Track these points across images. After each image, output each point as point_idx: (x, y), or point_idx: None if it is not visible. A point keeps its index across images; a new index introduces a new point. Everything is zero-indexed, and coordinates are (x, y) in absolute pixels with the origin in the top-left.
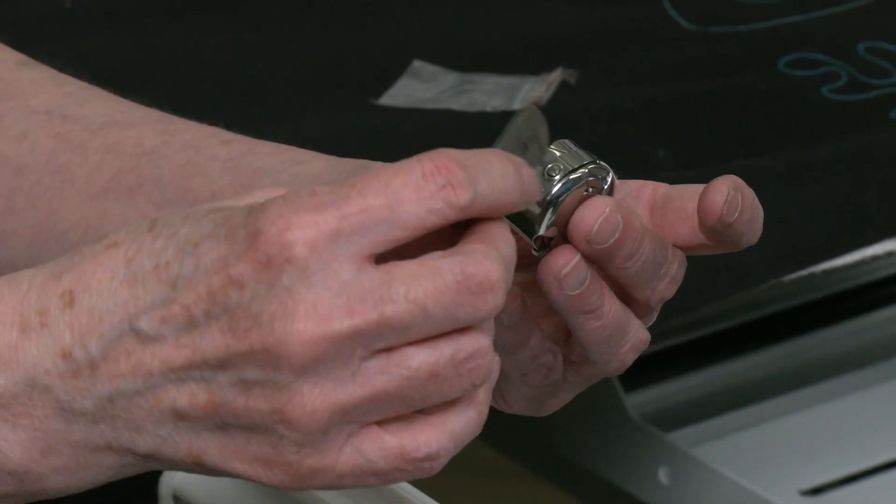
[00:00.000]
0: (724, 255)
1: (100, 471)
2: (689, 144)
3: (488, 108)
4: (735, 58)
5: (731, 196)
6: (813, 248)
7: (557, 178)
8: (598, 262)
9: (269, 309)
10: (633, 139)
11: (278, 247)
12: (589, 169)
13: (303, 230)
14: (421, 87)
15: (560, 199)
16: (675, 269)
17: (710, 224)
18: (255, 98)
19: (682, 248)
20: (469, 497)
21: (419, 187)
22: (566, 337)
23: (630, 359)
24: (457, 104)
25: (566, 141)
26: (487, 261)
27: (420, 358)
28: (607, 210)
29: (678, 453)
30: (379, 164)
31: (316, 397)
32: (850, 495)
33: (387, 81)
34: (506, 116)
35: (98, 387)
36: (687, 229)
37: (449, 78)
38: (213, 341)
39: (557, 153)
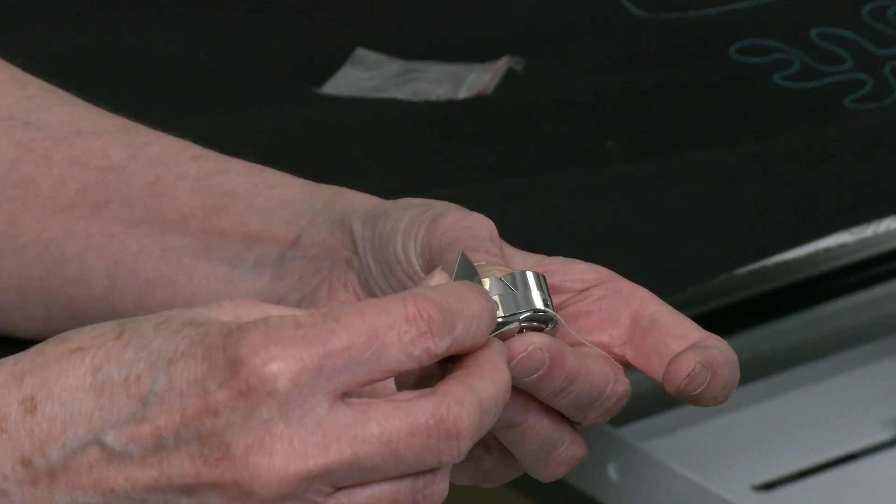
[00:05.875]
0: (678, 249)
1: None
2: (641, 136)
3: (433, 97)
4: (686, 46)
5: (696, 372)
6: (766, 242)
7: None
8: (525, 389)
9: (244, 441)
10: (585, 131)
11: (261, 379)
12: (525, 316)
13: (287, 364)
14: (364, 76)
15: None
16: (612, 404)
17: (670, 390)
18: (196, 89)
19: (652, 377)
20: None
21: (401, 332)
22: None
23: (560, 472)
24: (401, 93)
25: (529, 274)
26: (460, 407)
27: (383, 491)
28: (530, 349)
29: (628, 448)
30: (356, 193)
31: None
32: (803, 491)
33: (329, 70)
34: (451, 105)
35: (56, 496)
36: (659, 365)
37: (393, 66)
38: (181, 466)
39: (513, 291)
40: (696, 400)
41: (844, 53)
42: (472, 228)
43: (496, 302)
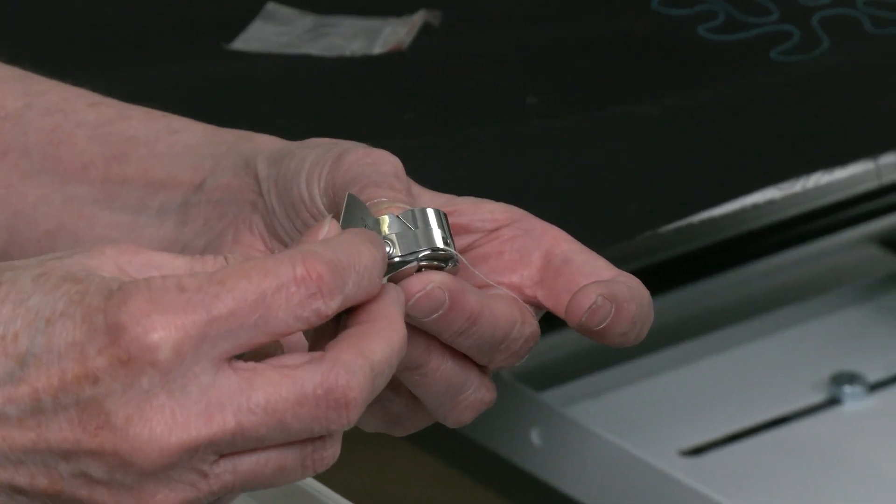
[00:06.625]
0: (601, 206)
1: None
2: (562, 91)
3: (348, 53)
4: None
5: (598, 305)
6: (691, 198)
7: (390, 252)
8: (426, 330)
9: (124, 411)
10: (504, 86)
11: (142, 348)
12: (424, 255)
13: (170, 332)
14: (276, 31)
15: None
16: (519, 346)
17: (573, 325)
18: (101, 44)
19: (562, 316)
20: (337, 462)
21: (289, 294)
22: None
23: (467, 417)
24: (315, 48)
25: (429, 212)
26: (349, 374)
27: (269, 458)
28: (428, 287)
29: (551, 413)
30: (261, 136)
31: (164, 498)
32: (732, 455)
33: (239, 25)
34: (366, 61)
35: None
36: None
37: (306, 21)
38: (60, 431)
39: (411, 229)
40: (601, 336)
41: (770, 4)
42: (377, 164)
43: (393, 241)
